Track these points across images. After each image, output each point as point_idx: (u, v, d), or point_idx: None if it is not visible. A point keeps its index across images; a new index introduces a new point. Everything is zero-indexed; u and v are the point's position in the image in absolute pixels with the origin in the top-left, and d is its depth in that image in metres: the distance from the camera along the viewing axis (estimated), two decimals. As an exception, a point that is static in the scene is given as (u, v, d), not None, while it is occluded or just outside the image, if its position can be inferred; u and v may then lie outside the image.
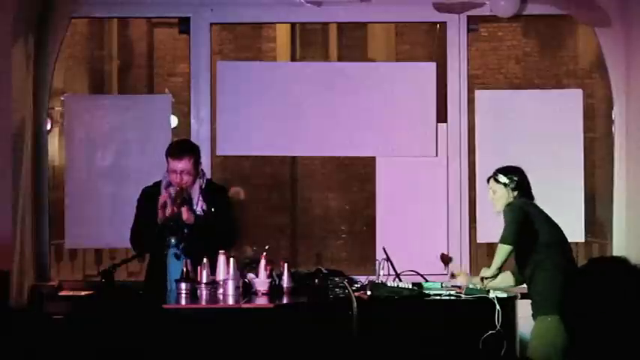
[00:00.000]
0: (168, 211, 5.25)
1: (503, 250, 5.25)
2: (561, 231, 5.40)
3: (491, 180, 5.46)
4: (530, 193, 5.44)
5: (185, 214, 5.29)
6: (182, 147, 5.53)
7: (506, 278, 5.51)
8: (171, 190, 5.36)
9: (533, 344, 5.22)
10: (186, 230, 5.33)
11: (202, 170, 5.55)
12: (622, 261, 2.35)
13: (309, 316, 4.98)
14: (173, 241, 5.34)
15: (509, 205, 5.36)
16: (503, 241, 5.26)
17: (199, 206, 5.43)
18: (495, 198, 5.43)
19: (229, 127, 6.76)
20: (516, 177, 5.41)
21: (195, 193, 5.45)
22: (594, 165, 8.16)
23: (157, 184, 5.52)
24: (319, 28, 12.43)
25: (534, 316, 5.27)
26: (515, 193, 5.38)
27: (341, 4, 6.80)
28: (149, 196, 5.48)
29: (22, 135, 6.37)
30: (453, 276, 5.60)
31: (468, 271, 6.16)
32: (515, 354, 5.10)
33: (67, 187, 6.83)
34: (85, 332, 4.86)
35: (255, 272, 5.27)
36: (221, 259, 5.16)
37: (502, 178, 5.41)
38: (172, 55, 12.41)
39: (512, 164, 5.53)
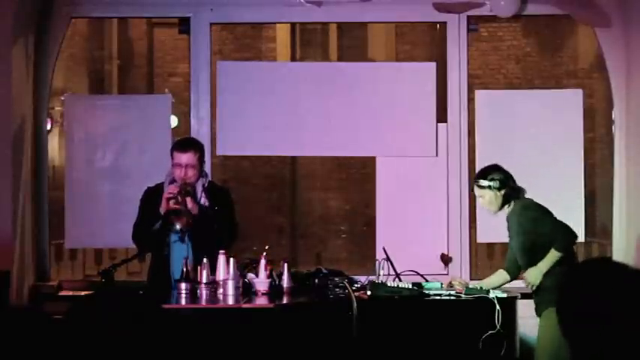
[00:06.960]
0: (172, 202, 5.29)
1: (554, 257, 5.20)
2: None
3: (475, 187, 5.41)
4: (516, 186, 5.37)
5: (190, 203, 5.33)
6: (187, 141, 5.68)
7: (502, 277, 5.50)
8: (174, 187, 5.39)
9: (542, 336, 5.19)
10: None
11: (205, 171, 5.60)
12: (613, 262, 2.35)
13: (309, 316, 4.98)
14: (178, 226, 5.34)
15: (526, 208, 5.30)
16: (558, 248, 5.18)
17: (202, 203, 5.44)
18: (485, 202, 5.39)
19: (229, 127, 6.76)
20: (496, 175, 5.34)
21: (199, 190, 5.47)
22: (594, 165, 8.16)
23: (160, 185, 5.55)
24: (319, 28, 12.42)
25: (540, 309, 5.22)
26: (502, 192, 5.33)
27: (341, 4, 6.79)
28: (152, 195, 5.51)
29: (22, 135, 6.37)
30: (450, 285, 5.49)
31: (469, 278, 6.11)
32: (515, 354, 5.09)
33: (67, 187, 6.82)
34: (85, 332, 4.85)
35: (255, 272, 5.27)
36: (221, 259, 5.17)
37: (484, 182, 5.35)
38: (172, 55, 12.41)
39: (492, 164, 5.45)
